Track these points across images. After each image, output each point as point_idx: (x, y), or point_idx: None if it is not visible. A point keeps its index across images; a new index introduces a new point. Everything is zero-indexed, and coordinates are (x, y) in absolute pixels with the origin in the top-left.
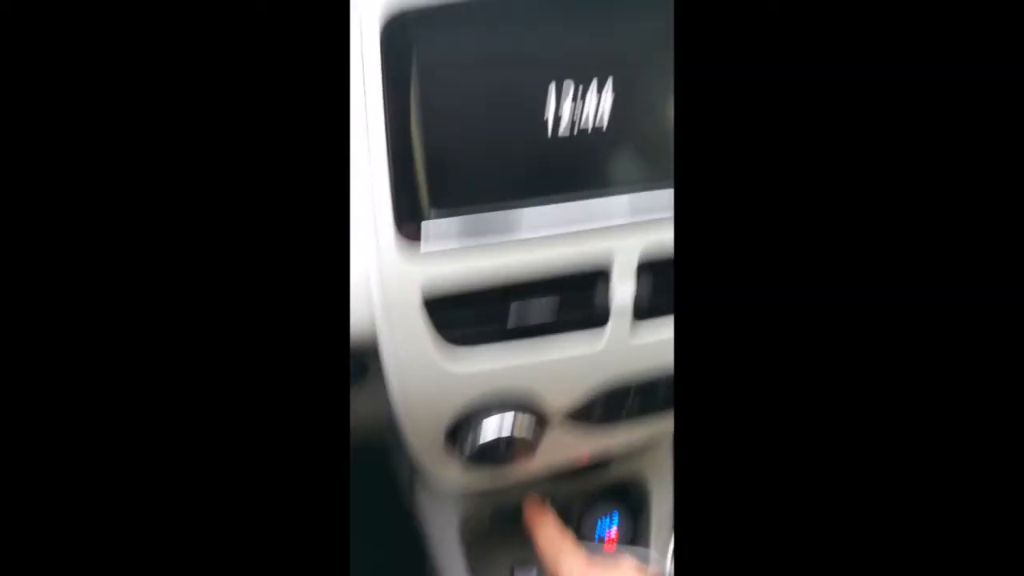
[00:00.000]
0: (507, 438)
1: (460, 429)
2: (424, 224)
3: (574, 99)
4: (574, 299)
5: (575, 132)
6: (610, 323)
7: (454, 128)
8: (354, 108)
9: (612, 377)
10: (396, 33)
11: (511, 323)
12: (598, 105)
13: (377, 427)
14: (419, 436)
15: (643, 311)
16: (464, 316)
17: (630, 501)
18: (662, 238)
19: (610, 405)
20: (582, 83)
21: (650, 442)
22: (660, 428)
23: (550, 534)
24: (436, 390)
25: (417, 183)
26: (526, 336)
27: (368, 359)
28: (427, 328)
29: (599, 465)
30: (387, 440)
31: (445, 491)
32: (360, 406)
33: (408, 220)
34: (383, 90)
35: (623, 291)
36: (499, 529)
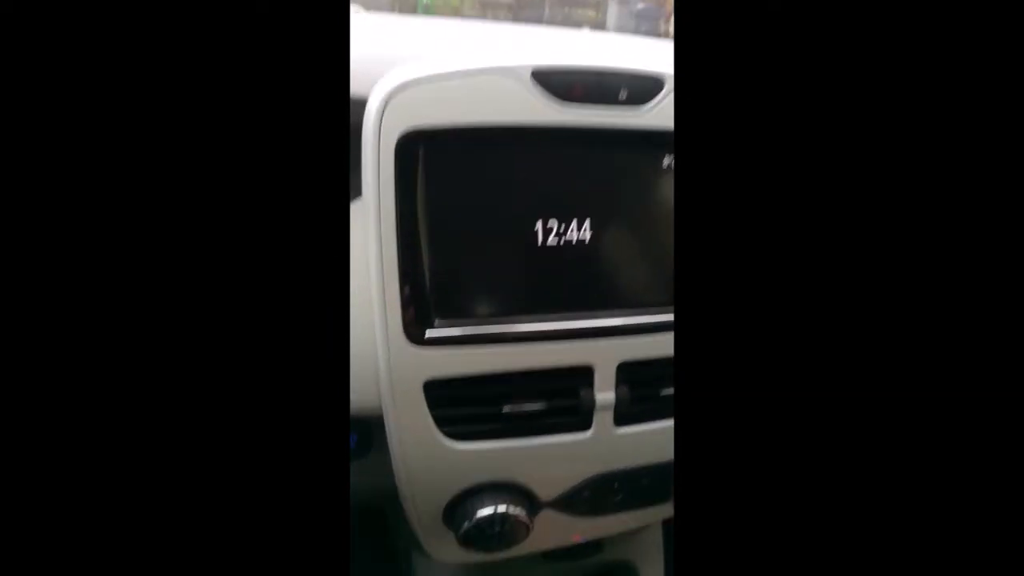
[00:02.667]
0: (501, 516)
1: (457, 507)
2: (429, 332)
3: (557, 234)
4: (561, 399)
5: (561, 243)
6: (594, 423)
7: (457, 241)
8: (368, 212)
9: (597, 470)
10: (410, 143)
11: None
12: (579, 235)
13: (380, 495)
14: (419, 510)
15: (622, 416)
16: (462, 410)
17: None
18: (639, 346)
19: (596, 495)
20: (564, 222)
21: (640, 528)
22: (649, 515)
23: None
24: (436, 469)
25: (425, 296)
26: (517, 432)
27: (374, 431)
28: (428, 415)
29: (591, 546)
30: (388, 508)
31: (441, 562)
32: (365, 475)
33: (415, 326)
34: (395, 195)
35: (605, 395)
36: None
